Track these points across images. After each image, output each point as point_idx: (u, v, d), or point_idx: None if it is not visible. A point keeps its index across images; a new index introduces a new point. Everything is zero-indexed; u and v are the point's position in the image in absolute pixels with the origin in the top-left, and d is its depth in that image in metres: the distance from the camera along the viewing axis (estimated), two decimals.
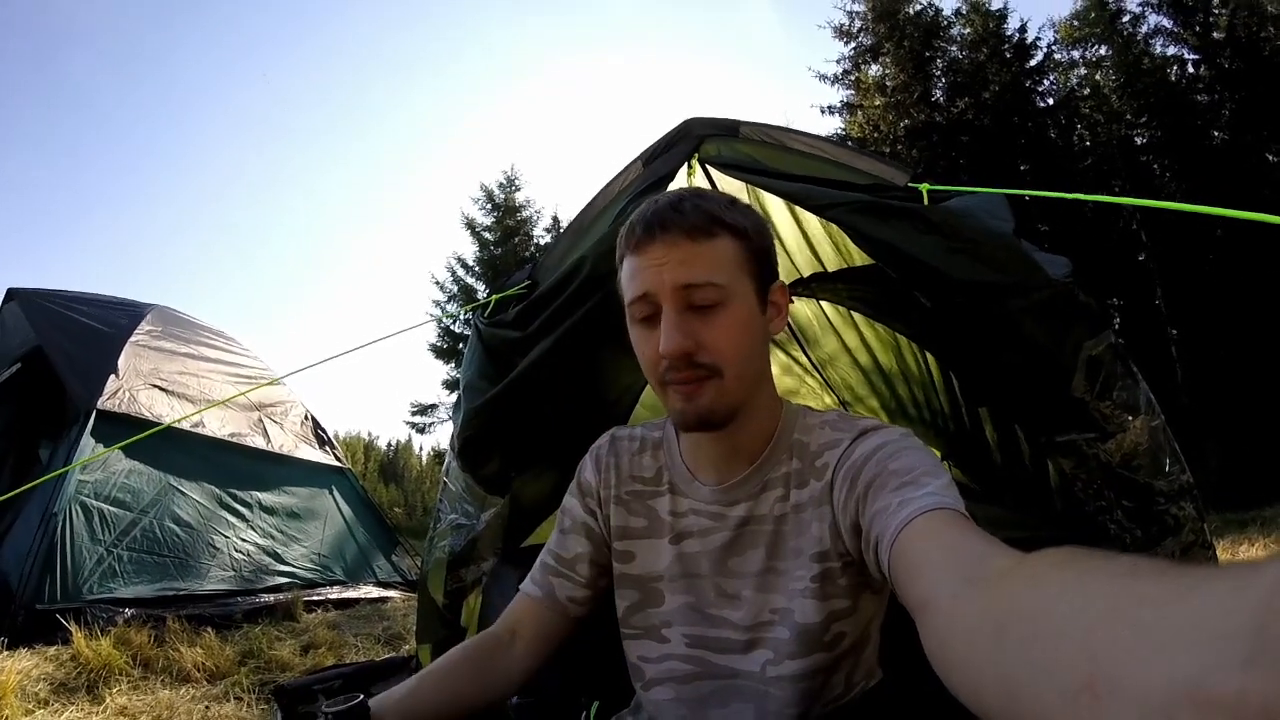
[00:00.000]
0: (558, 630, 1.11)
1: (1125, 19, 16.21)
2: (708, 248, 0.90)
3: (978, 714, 0.48)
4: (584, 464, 1.16)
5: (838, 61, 18.01)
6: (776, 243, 2.41)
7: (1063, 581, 0.44)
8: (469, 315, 2.28)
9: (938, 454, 2.41)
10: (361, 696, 0.86)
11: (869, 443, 0.91)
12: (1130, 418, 1.61)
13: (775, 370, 3.26)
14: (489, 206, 22.50)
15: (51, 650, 3.16)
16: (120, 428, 4.18)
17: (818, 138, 2.01)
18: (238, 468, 5.00)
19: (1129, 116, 15.85)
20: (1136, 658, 0.32)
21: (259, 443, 5.22)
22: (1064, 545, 0.49)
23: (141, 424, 4.28)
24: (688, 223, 0.90)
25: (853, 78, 17.76)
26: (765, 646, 0.96)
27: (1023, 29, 16.71)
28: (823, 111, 18.02)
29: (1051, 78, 16.94)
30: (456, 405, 2.07)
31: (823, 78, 18.10)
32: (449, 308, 20.83)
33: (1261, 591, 0.28)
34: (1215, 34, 15.10)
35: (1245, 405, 12.18)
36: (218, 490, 4.75)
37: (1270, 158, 14.26)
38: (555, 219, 22.31)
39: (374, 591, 5.42)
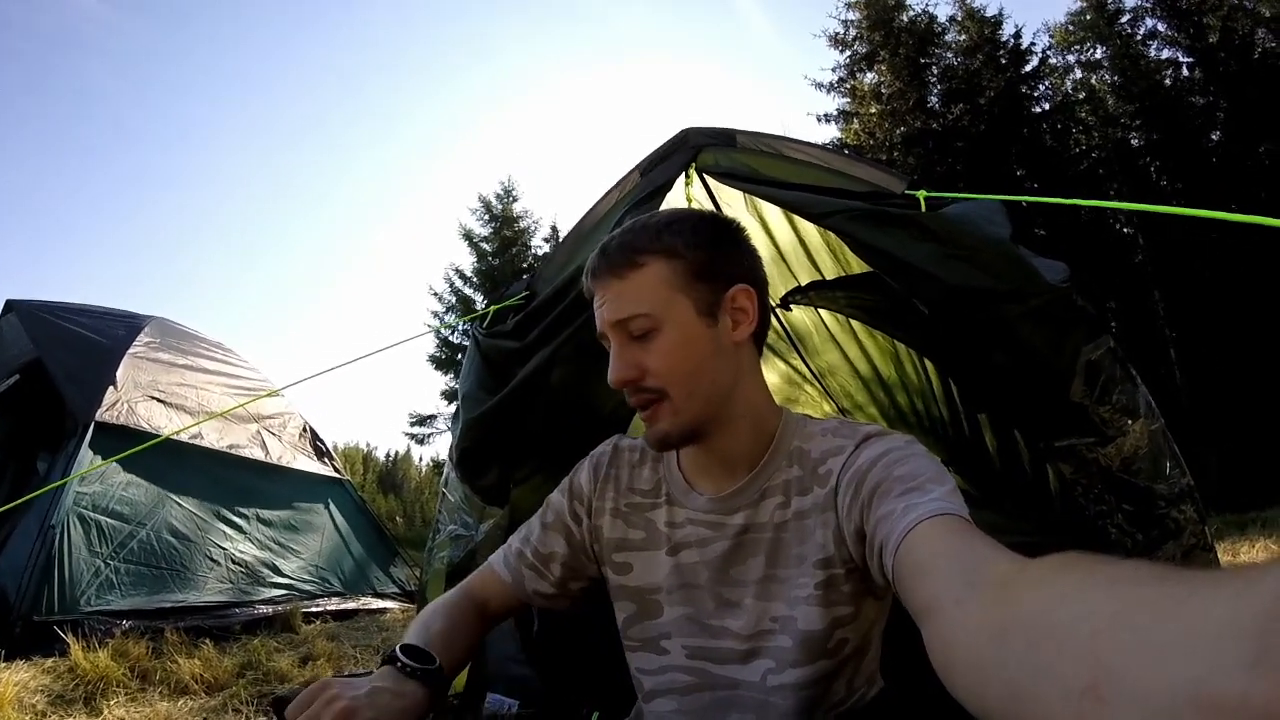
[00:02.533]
0: (518, 610, 1.17)
1: (1123, 20, 16.30)
2: (632, 281, 0.95)
3: (981, 719, 0.48)
4: (581, 466, 1.16)
5: (833, 70, 18.12)
6: (773, 252, 2.42)
7: (1066, 586, 0.44)
8: (467, 326, 2.28)
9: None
10: (437, 661, 0.88)
11: (873, 449, 0.91)
12: (1129, 421, 1.61)
13: (775, 379, 3.26)
14: (487, 217, 22.55)
15: (49, 662, 3.14)
16: (118, 439, 4.16)
17: (814, 146, 2.01)
18: (236, 479, 4.98)
19: (1124, 120, 15.93)
20: (1140, 661, 0.32)
21: (257, 454, 5.20)
22: (1066, 550, 0.49)
23: (140, 436, 4.26)
24: (611, 262, 0.96)
25: (848, 86, 17.84)
26: (766, 656, 0.96)
27: (1017, 34, 16.82)
28: (819, 120, 18.12)
29: (1047, 82, 17.03)
30: (455, 416, 2.07)
31: (819, 86, 18.20)
32: (447, 319, 20.85)
33: (1265, 596, 0.28)
34: (1210, 37, 15.17)
35: (1245, 407, 12.20)
36: (215, 502, 4.73)
37: (1265, 159, 14.32)
38: (554, 229, 22.39)
39: (372, 602, 5.40)
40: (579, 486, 1.14)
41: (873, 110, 17.00)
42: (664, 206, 1.95)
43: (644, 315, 0.93)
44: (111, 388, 4.43)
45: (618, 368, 0.94)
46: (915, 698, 0.86)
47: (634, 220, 1.03)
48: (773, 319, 2.85)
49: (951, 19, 17.46)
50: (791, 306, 2.63)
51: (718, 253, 0.98)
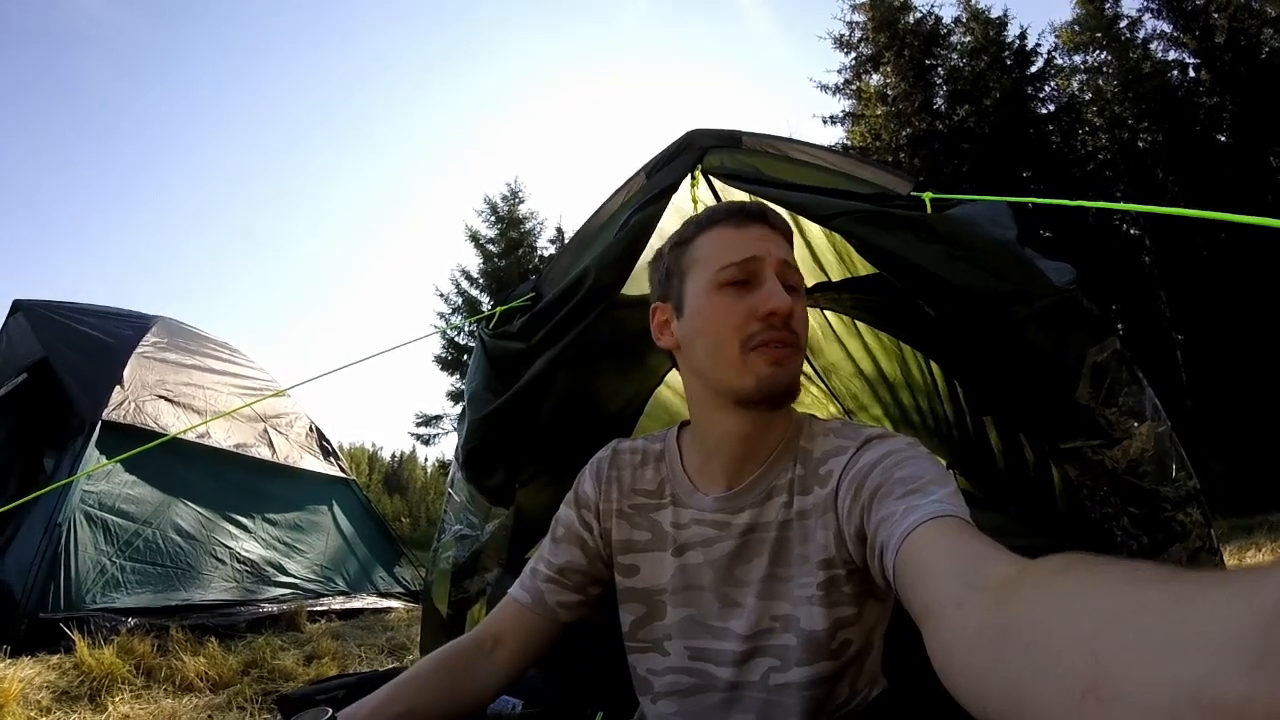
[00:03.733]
0: (544, 636, 1.09)
1: (1123, 24, 16.24)
2: (790, 248, 1.03)
3: None
4: (583, 475, 1.16)
5: (839, 72, 18.10)
6: None
7: (1066, 587, 0.44)
8: (473, 327, 2.29)
9: (943, 462, 2.40)
10: (331, 711, 0.85)
11: (875, 451, 0.91)
12: (1136, 424, 1.61)
13: None
14: (493, 219, 22.54)
15: (54, 659, 3.15)
16: (125, 439, 4.17)
17: (820, 147, 2.01)
18: (242, 479, 4.99)
19: (1130, 121, 15.86)
20: (1141, 661, 0.32)
21: (264, 454, 5.21)
22: (1068, 552, 0.49)
23: (146, 435, 4.28)
24: (781, 223, 1.03)
25: (854, 87, 17.80)
26: (769, 655, 0.96)
27: (1023, 36, 16.76)
28: (825, 121, 18.10)
29: (1053, 84, 16.98)
30: (461, 416, 2.07)
31: (824, 88, 18.18)
32: (453, 319, 20.85)
33: (1266, 597, 0.28)
34: (1216, 38, 15.11)
35: (1251, 409, 12.14)
36: (221, 501, 4.74)
37: (1272, 160, 14.25)
38: (559, 230, 22.39)
39: (377, 602, 5.41)
40: (584, 495, 1.13)
41: (878, 112, 16.96)
42: (670, 209, 1.95)
43: (799, 273, 1.02)
44: (118, 387, 4.45)
45: (786, 296, 0.95)
46: (917, 698, 0.86)
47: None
48: None
49: (957, 20, 17.43)
50: None
51: None
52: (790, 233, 1.04)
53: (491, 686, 1.05)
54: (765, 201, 2.13)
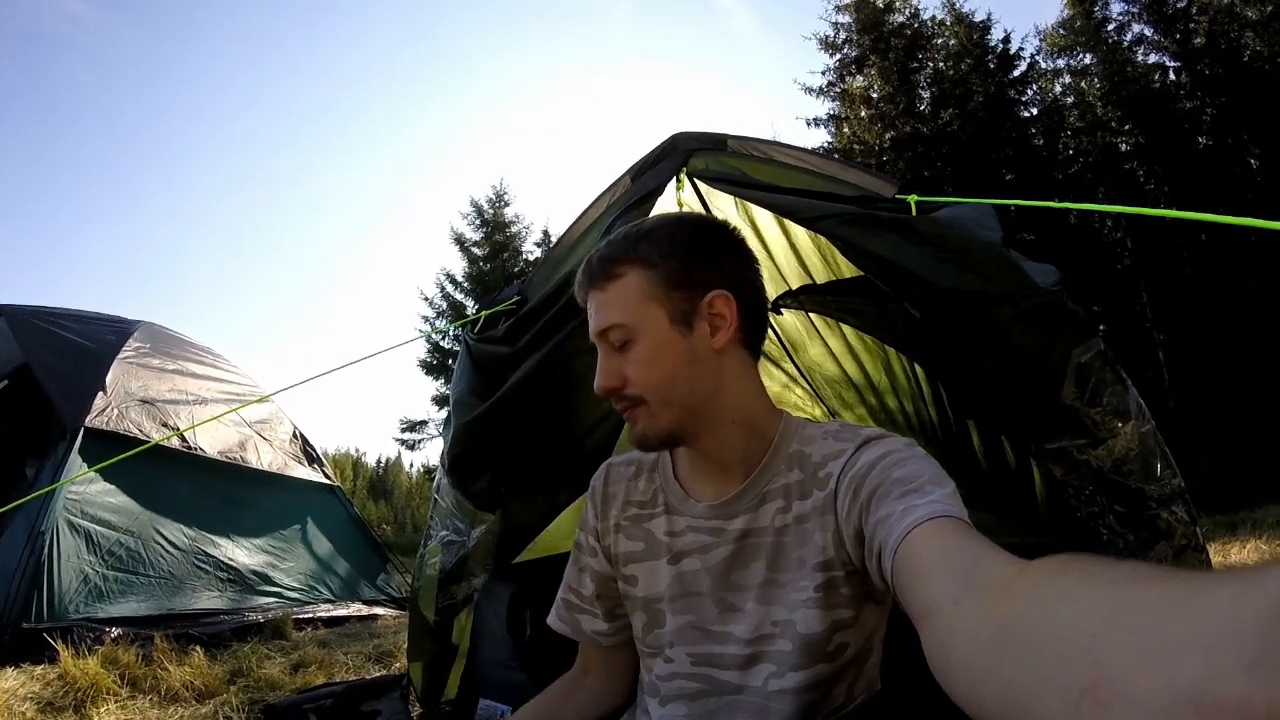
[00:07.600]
0: (601, 657, 1.18)
1: (1111, 26, 16.39)
2: (611, 292, 0.99)
3: None
4: (586, 499, 1.18)
5: (823, 73, 18.15)
6: (764, 256, 2.43)
7: (1064, 587, 0.44)
8: (458, 331, 2.28)
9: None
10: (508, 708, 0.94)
11: (873, 452, 0.91)
12: (1120, 423, 1.62)
13: (765, 382, 3.25)
14: (478, 222, 22.52)
15: (38, 670, 3.11)
16: (108, 446, 4.13)
17: (805, 150, 2.02)
18: (226, 486, 4.94)
19: (1113, 124, 15.99)
20: (1139, 662, 0.32)
21: (248, 460, 5.17)
22: (1061, 552, 0.49)
23: (129, 442, 4.23)
24: (591, 273, 1.01)
25: (838, 89, 17.87)
26: (767, 660, 0.96)
27: (1006, 39, 16.89)
28: (808, 124, 18.15)
29: (1035, 87, 17.11)
30: (446, 421, 2.07)
31: (808, 90, 18.23)
32: (438, 323, 20.79)
33: (1265, 597, 0.28)
34: (1196, 40, 15.28)
35: (1232, 407, 12.26)
36: (206, 508, 4.70)
37: (1252, 161, 14.42)
38: (545, 233, 22.40)
39: (363, 609, 5.37)
40: (587, 519, 1.16)
41: (862, 114, 17.02)
42: (655, 211, 1.95)
43: (620, 326, 0.97)
44: (101, 393, 4.40)
45: (600, 377, 0.98)
46: (911, 699, 0.86)
47: (620, 229, 1.06)
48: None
49: (941, 23, 17.53)
50: (782, 310, 2.64)
51: (695, 259, 0.99)
52: (606, 274, 0.99)
53: (592, 711, 1.17)
54: (751, 204, 2.14)
